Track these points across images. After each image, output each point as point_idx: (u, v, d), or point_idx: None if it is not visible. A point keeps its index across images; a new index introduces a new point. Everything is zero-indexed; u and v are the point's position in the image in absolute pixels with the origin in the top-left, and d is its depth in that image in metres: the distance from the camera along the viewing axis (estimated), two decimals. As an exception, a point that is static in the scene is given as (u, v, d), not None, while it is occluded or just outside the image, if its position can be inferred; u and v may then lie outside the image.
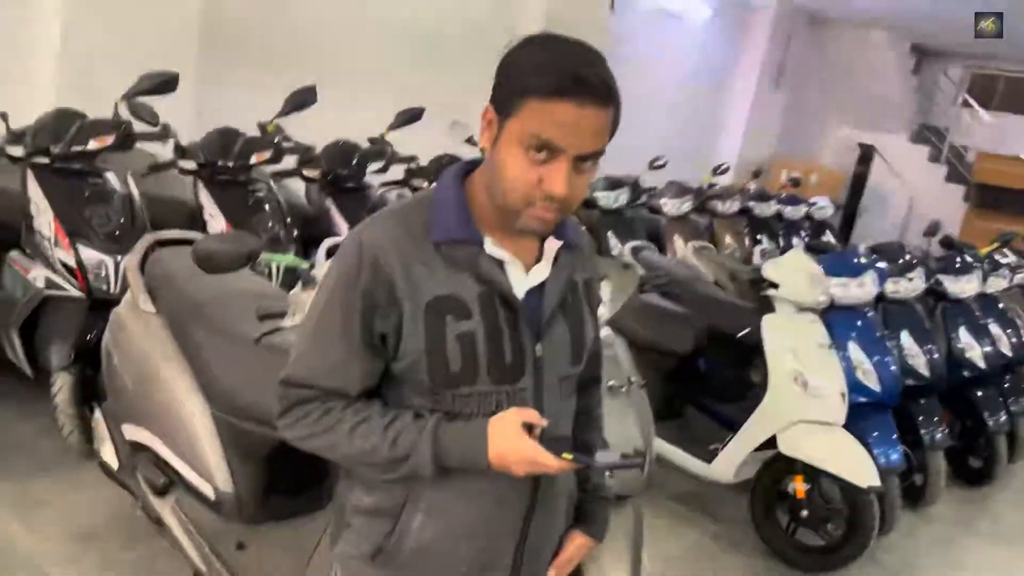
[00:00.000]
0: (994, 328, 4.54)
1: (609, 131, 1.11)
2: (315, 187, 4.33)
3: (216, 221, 3.61)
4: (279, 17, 5.84)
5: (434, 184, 1.25)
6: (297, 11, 5.95)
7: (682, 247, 5.73)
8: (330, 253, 3.04)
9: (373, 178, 4.43)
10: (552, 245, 1.23)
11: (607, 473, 1.45)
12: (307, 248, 4.00)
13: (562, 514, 1.34)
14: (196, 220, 3.65)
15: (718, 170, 7.21)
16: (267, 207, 3.79)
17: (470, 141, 4.84)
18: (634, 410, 2.20)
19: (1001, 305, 4.80)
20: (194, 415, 2.16)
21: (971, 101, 12.72)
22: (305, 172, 4.20)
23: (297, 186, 4.58)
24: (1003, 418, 4.31)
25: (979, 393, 4.35)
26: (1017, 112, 12.83)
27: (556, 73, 1.04)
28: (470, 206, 1.19)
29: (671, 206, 5.95)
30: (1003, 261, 5.17)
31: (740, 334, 3.51)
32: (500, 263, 1.18)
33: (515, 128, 1.08)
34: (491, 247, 1.17)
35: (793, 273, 3.24)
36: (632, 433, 2.15)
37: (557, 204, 1.10)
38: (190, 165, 3.64)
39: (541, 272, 1.22)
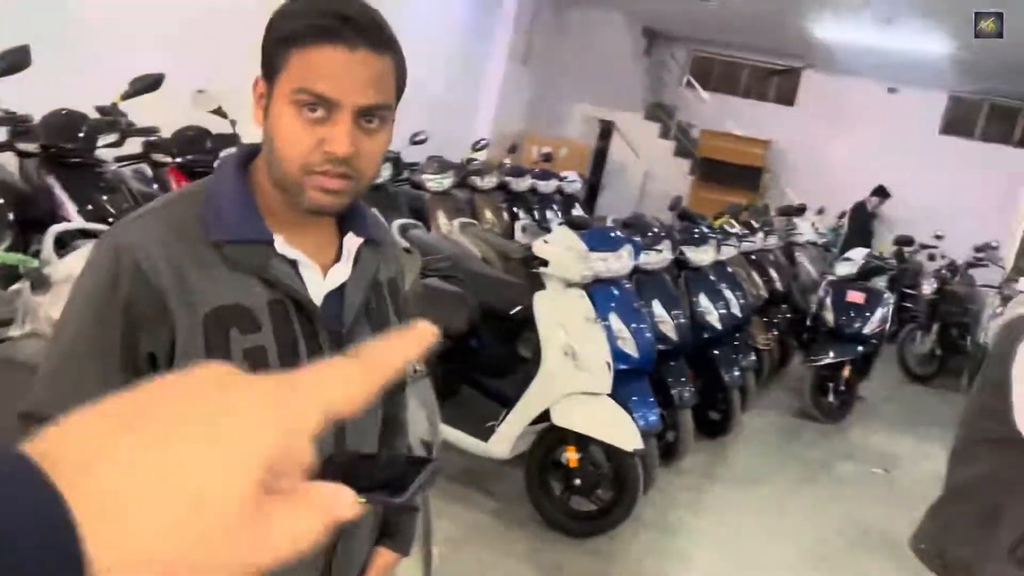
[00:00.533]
0: (727, 292, 5.02)
1: (394, 84, 1.01)
2: (33, 163, 3.76)
3: (-96, 205, 3.01)
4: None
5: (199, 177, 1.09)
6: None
7: (445, 223, 5.73)
8: (59, 242, 2.64)
9: (105, 152, 3.93)
10: (352, 242, 1.11)
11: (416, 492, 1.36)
12: (26, 234, 3.48)
13: (368, 538, 1.23)
14: None
15: (477, 146, 7.29)
16: (-28, 187, 3.23)
17: (218, 112, 4.46)
18: (420, 401, 2.13)
19: (730, 270, 5.32)
20: None
21: (693, 82, 13.96)
22: (19, 146, 3.63)
23: (9, 162, 3.95)
24: (736, 374, 4.79)
25: (716, 352, 4.78)
26: (730, 92, 14.29)
27: (319, 14, 0.94)
28: (255, 199, 1.04)
29: (433, 182, 5.92)
30: (731, 231, 5.72)
31: (513, 311, 3.56)
32: (294, 264, 1.04)
33: (284, 87, 0.96)
34: (283, 246, 1.03)
35: (561, 251, 3.33)
36: (420, 425, 2.08)
37: (344, 169, 0.97)
38: None
39: (341, 273, 1.09)
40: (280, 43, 0.96)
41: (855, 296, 5.77)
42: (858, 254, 6.15)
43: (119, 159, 4.06)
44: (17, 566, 0.24)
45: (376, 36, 0.96)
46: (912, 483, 4.85)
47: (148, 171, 4.46)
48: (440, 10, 9.82)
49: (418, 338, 0.35)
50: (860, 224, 9.71)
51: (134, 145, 4.13)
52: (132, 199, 3.76)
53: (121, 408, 0.29)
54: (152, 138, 4.17)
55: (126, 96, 3.97)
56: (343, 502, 0.31)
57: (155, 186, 4.36)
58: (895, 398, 6.85)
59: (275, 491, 0.30)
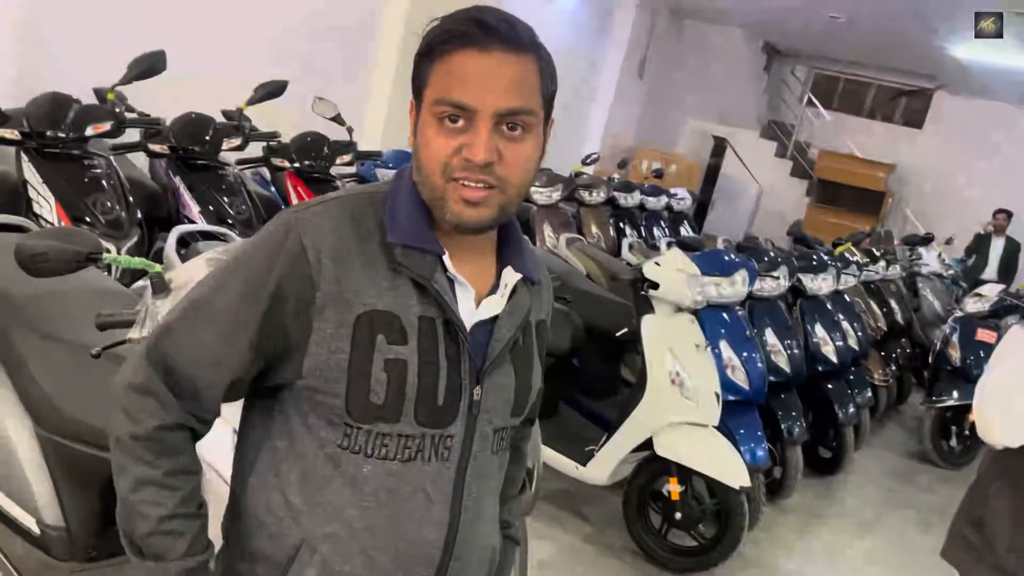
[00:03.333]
0: (844, 324, 4.76)
1: (538, 86, 0.99)
2: (162, 163, 3.93)
3: (44, 200, 3.18)
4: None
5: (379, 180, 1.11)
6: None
7: (551, 236, 5.68)
8: (182, 243, 2.71)
9: (228, 155, 4.07)
10: (511, 276, 1.07)
11: None
12: (151, 231, 3.63)
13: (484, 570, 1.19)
14: (19, 198, 3.20)
15: (587, 160, 7.22)
16: (105, 185, 3.38)
17: (337, 119, 4.55)
18: (522, 425, 2.07)
19: (849, 300, 5.05)
20: (12, 436, 1.84)
21: (814, 100, 13.45)
22: (151, 146, 3.78)
23: (140, 162, 4.14)
24: (851, 410, 4.52)
25: (830, 386, 4.53)
26: (853, 113, 13.70)
27: (453, 22, 0.96)
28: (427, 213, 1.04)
29: (541, 195, 5.87)
30: (851, 259, 5.43)
31: (619, 333, 3.46)
32: (452, 285, 1.02)
33: (427, 102, 0.97)
34: (448, 263, 1.02)
35: (672, 274, 3.21)
36: (521, 450, 2.02)
37: (484, 176, 0.96)
38: (11, 135, 3.18)
39: (494, 305, 1.06)
40: (423, 62, 0.98)
41: (985, 335, 5.37)
42: (991, 290, 5.75)
43: (240, 162, 4.19)
44: None
45: (511, 36, 0.95)
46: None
47: (267, 174, 4.59)
48: (555, 22, 9.79)
49: None
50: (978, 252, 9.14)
51: (254, 148, 4.25)
52: (251, 202, 3.87)
53: None
54: (272, 142, 4.28)
55: (251, 101, 4.08)
56: None
57: (272, 189, 4.48)
58: (1024, 446, 6.34)
59: None
